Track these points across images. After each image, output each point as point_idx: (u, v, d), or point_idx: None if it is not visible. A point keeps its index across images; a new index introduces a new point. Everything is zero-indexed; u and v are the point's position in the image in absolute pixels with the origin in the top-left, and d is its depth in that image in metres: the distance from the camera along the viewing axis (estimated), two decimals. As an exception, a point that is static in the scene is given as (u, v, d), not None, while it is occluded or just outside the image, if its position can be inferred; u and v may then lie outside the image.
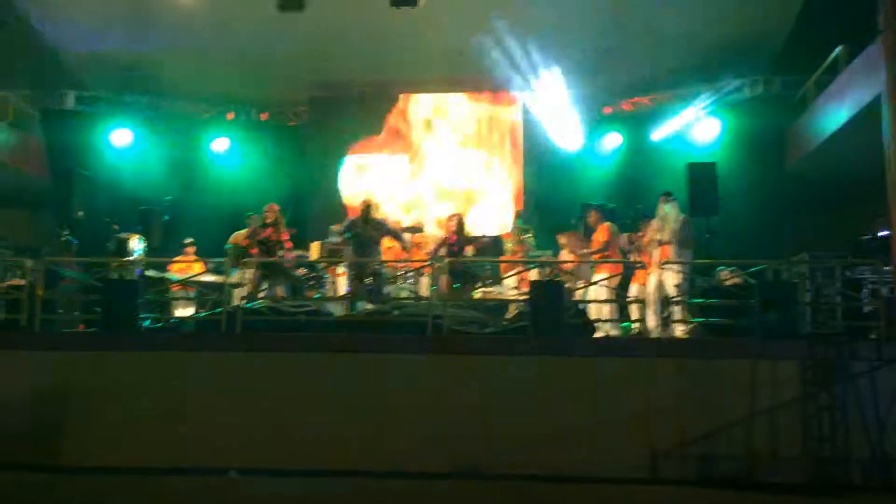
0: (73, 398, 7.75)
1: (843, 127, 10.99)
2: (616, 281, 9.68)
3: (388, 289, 10.41)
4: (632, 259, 9.86)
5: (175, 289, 10.45)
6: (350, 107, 15.67)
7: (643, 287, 9.30)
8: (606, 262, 9.83)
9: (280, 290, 10.14)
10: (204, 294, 10.48)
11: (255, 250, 9.91)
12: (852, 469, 7.13)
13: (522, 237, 11.48)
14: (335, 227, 10.72)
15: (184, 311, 10.45)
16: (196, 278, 10.49)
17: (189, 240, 11.65)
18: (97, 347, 8.03)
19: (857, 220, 11.85)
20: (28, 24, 13.41)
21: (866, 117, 9.89)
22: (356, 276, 10.04)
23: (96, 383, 7.78)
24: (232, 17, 13.00)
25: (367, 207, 10.21)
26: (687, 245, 9.39)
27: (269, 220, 10.00)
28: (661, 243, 9.57)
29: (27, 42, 13.67)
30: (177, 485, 7.09)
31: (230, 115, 16.11)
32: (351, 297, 9.85)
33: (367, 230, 10.02)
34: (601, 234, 10.08)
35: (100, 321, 8.34)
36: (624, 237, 10.23)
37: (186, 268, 11.09)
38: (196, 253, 11.56)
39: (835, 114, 11.34)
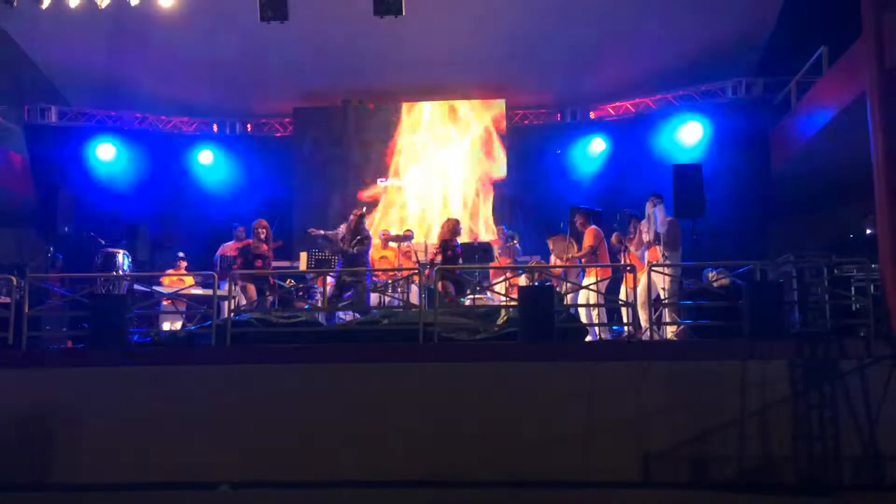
0: (61, 415, 7.68)
1: (827, 127, 11.06)
2: (605, 285, 9.71)
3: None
4: (621, 261, 9.91)
5: (166, 302, 10.40)
6: (334, 117, 15.67)
7: (633, 290, 9.34)
8: (594, 265, 9.86)
9: (266, 301, 10.16)
10: (192, 308, 10.43)
11: (239, 261, 10.01)
12: (843, 467, 7.15)
13: (509, 243, 11.50)
14: (318, 232, 10.71)
15: (172, 326, 10.41)
16: (184, 291, 10.43)
17: (181, 254, 11.62)
18: (85, 364, 7.97)
19: (842, 219, 11.94)
20: (8, 38, 13.34)
21: (850, 117, 9.97)
22: (336, 287, 10.08)
23: (85, 400, 7.72)
24: (214, 29, 12.96)
25: (360, 218, 10.26)
26: (674, 247, 9.44)
27: (262, 236, 10.13)
28: (648, 245, 9.63)
29: (7, 57, 13.60)
30: (168, 500, 7.05)
31: (214, 127, 16.07)
32: (339, 309, 9.84)
33: (353, 244, 10.06)
34: (588, 239, 10.11)
35: (87, 337, 8.27)
36: (614, 236, 10.28)
37: (178, 282, 11.05)
38: (186, 267, 11.54)
39: (818, 114, 11.41)
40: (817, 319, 8.15)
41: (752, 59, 13.82)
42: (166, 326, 10.32)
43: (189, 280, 11.07)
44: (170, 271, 11.47)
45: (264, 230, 10.30)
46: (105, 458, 7.51)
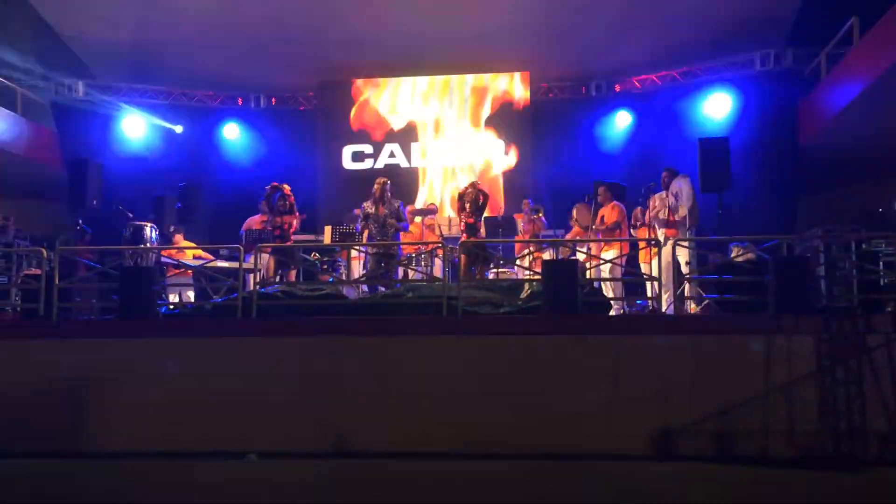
0: (91, 385, 7.81)
1: (857, 99, 10.89)
2: (624, 259, 9.71)
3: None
4: (642, 235, 9.87)
5: (173, 273, 10.42)
6: (358, 91, 15.66)
7: (655, 264, 9.31)
8: (617, 240, 9.84)
9: (291, 275, 10.21)
10: (217, 280, 10.49)
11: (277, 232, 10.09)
12: (869, 443, 7.12)
13: (534, 217, 11.47)
14: (357, 211, 10.67)
15: (185, 297, 10.49)
16: (211, 264, 10.50)
17: (172, 227, 11.49)
18: (114, 335, 8.10)
19: (871, 193, 11.78)
20: (36, 14, 13.43)
21: (881, 89, 9.82)
22: (375, 260, 10.05)
23: (114, 370, 7.84)
24: (240, 3, 12.98)
25: (384, 186, 10.23)
26: (695, 223, 9.41)
27: (284, 206, 10.12)
28: (669, 224, 9.57)
29: (34, 31, 13.70)
30: (196, 468, 7.16)
31: (239, 101, 16.12)
32: (368, 281, 9.87)
33: (379, 210, 10.03)
34: (613, 215, 10.08)
35: (117, 308, 8.39)
36: (637, 211, 10.24)
37: (179, 254, 10.93)
38: (189, 238, 11.52)
39: (848, 86, 11.23)
40: (844, 294, 8.08)
41: (782, 30, 13.60)
42: (175, 299, 10.36)
43: (190, 252, 11.02)
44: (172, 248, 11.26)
45: (284, 199, 10.31)
46: (134, 427, 7.64)
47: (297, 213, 10.49)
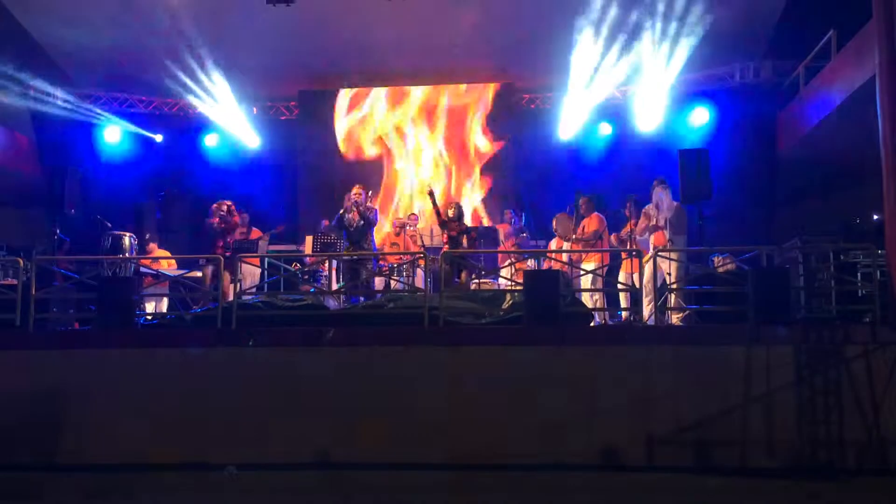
0: (68, 397, 7.72)
1: (835, 112, 11.01)
2: (605, 270, 9.74)
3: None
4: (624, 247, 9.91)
5: (150, 283, 10.35)
6: (340, 99, 15.63)
7: (630, 275, 9.35)
8: (598, 251, 9.87)
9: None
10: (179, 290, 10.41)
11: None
12: (847, 453, 7.17)
13: (516, 239, 11.51)
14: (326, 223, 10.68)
15: (157, 307, 10.41)
16: (190, 274, 10.42)
17: (148, 235, 11.40)
18: (92, 345, 8.00)
19: (849, 204, 11.88)
20: (14, 20, 13.31)
21: (858, 102, 9.92)
22: (349, 270, 10.03)
23: (92, 381, 7.76)
24: (220, 11, 12.92)
25: (362, 193, 10.23)
26: (680, 231, 9.43)
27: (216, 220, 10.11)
28: (654, 230, 9.61)
29: (12, 38, 13.58)
30: (175, 481, 7.09)
31: (220, 110, 16.02)
32: (346, 292, 9.84)
33: (354, 215, 10.02)
34: (593, 224, 10.12)
35: (95, 319, 8.30)
36: (613, 236, 10.30)
37: (157, 264, 10.86)
38: (168, 249, 11.44)
39: (826, 98, 11.35)
40: (823, 305, 8.15)
41: (761, 43, 13.72)
42: (150, 308, 10.29)
43: (165, 263, 10.94)
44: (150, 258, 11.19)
45: (222, 211, 10.26)
46: (112, 440, 7.56)
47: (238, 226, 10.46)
